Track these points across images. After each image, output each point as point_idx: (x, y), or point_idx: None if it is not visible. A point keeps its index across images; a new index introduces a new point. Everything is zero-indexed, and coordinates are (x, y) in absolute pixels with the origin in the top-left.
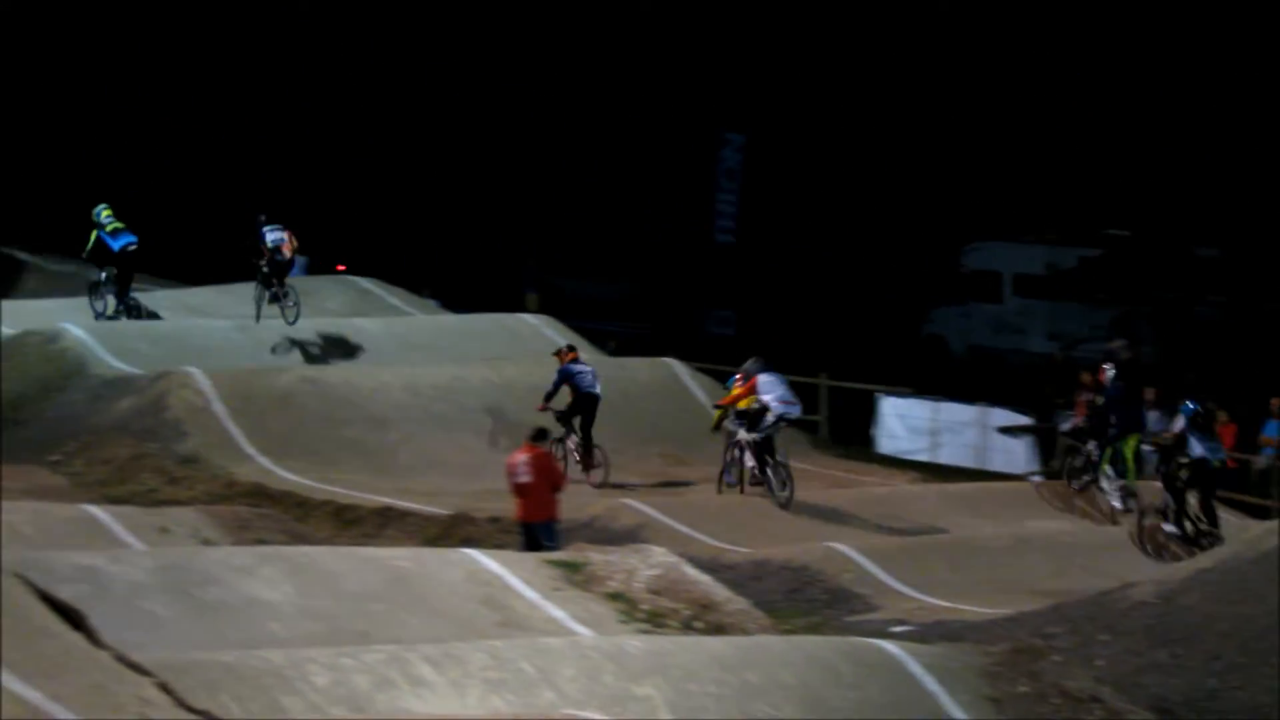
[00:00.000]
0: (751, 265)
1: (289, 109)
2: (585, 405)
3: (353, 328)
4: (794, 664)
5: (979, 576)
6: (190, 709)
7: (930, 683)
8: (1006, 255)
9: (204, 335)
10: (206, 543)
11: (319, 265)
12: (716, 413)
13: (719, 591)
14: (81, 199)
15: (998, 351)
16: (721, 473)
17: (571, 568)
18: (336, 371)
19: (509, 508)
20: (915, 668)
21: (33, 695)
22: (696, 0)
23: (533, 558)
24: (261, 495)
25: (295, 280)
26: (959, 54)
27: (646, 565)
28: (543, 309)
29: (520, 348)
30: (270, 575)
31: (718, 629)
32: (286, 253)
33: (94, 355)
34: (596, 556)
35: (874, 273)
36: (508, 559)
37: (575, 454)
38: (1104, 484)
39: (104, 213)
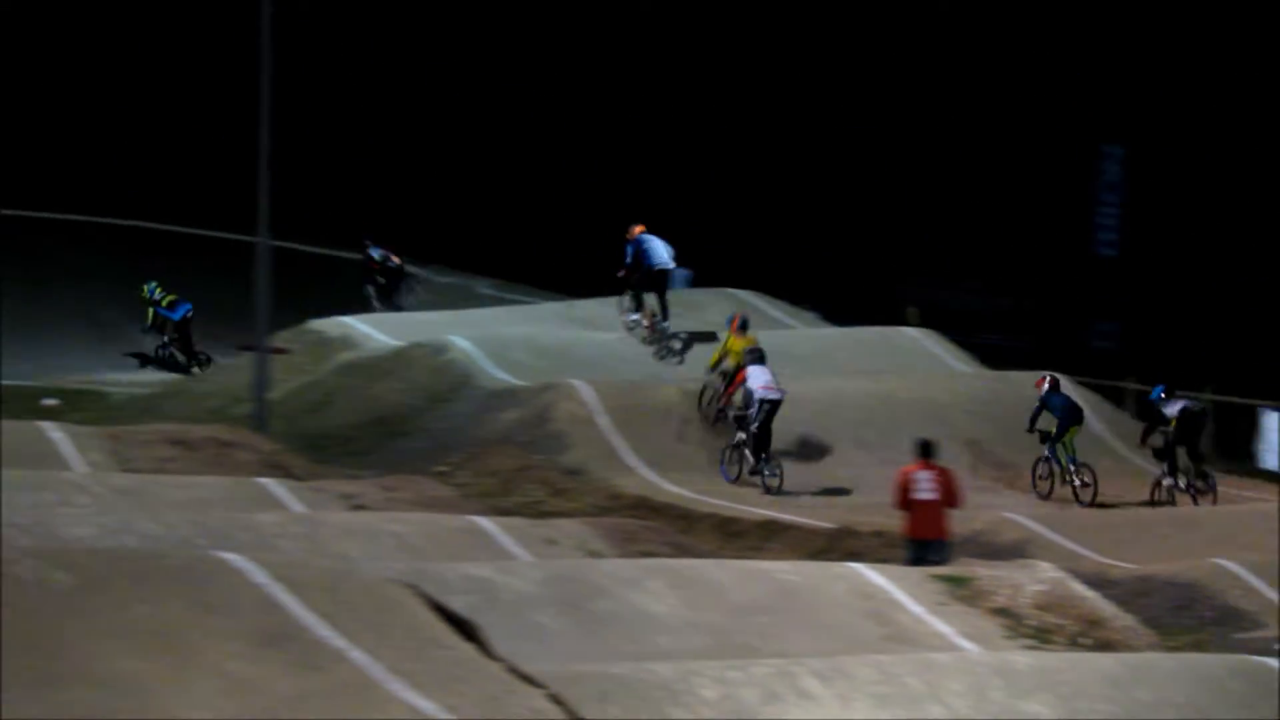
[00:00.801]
0: (1135, 278)
1: (672, 124)
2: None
3: None
4: (1183, 682)
5: None
6: None
7: None
8: None
9: (587, 347)
10: (593, 555)
11: (703, 278)
12: (714, 357)
13: (1105, 607)
14: (466, 214)
15: None
16: (720, 465)
17: (957, 582)
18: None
19: (893, 522)
20: None
21: (427, 706)
22: (1072, 14)
23: (918, 572)
24: (645, 507)
25: (678, 293)
26: None
27: (1033, 580)
28: (923, 322)
29: (901, 361)
30: (657, 588)
31: (1104, 645)
32: (395, 260)
33: (479, 367)
34: (982, 571)
35: (1260, 286)
36: (893, 573)
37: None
38: None
39: (156, 290)
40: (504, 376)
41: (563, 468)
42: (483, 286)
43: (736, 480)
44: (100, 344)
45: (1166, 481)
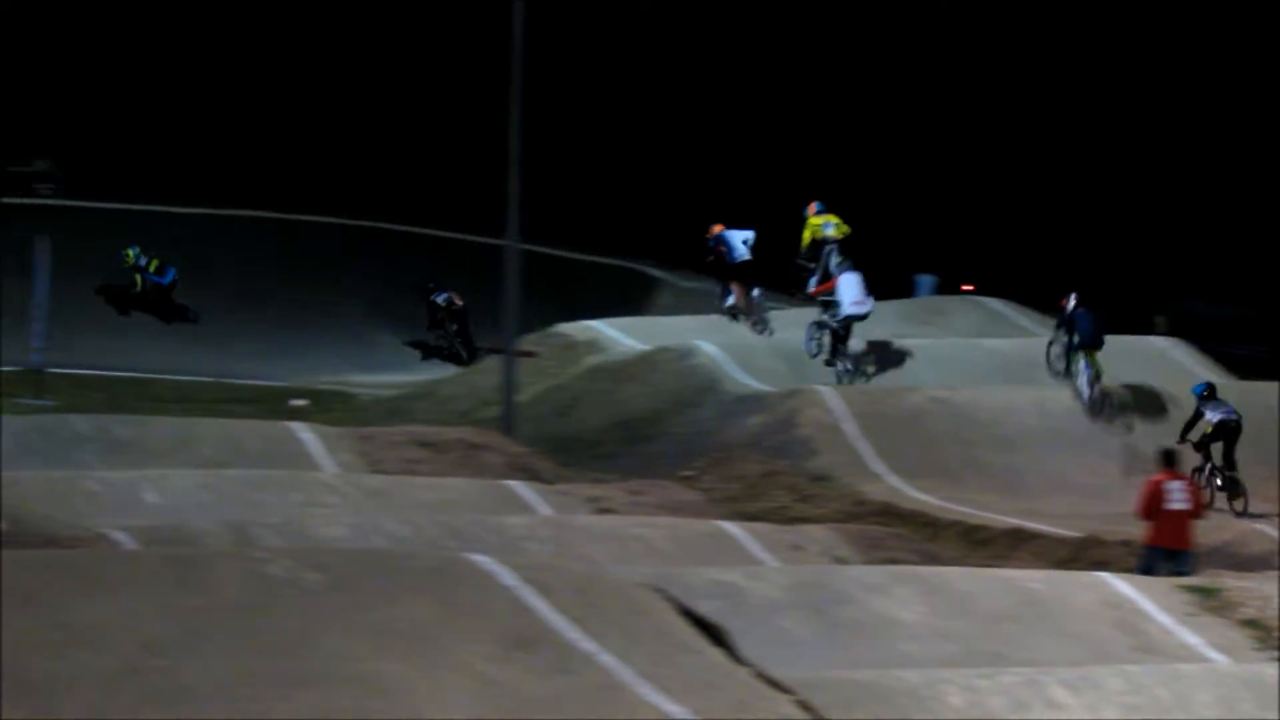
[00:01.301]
0: None
1: (932, 132)
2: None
3: (982, 349)
4: None
5: None
6: None
7: None
8: None
9: None
10: (839, 561)
11: (947, 285)
12: (806, 236)
13: None
14: (701, 214)
15: None
16: (805, 339)
17: (1206, 593)
18: (965, 392)
19: (1139, 531)
20: None
21: (677, 710)
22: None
23: (1166, 582)
24: (891, 514)
25: (923, 300)
26: None
27: None
28: (1171, 331)
29: (1149, 370)
30: (903, 595)
31: None
32: (459, 302)
33: (725, 372)
34: (1232, 582)
35: None
36: (1140, 583)
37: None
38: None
39: (140, 254)
40: (750, 382)
41: (808, 473)
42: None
43: (816, 356)
44: (347, 345)
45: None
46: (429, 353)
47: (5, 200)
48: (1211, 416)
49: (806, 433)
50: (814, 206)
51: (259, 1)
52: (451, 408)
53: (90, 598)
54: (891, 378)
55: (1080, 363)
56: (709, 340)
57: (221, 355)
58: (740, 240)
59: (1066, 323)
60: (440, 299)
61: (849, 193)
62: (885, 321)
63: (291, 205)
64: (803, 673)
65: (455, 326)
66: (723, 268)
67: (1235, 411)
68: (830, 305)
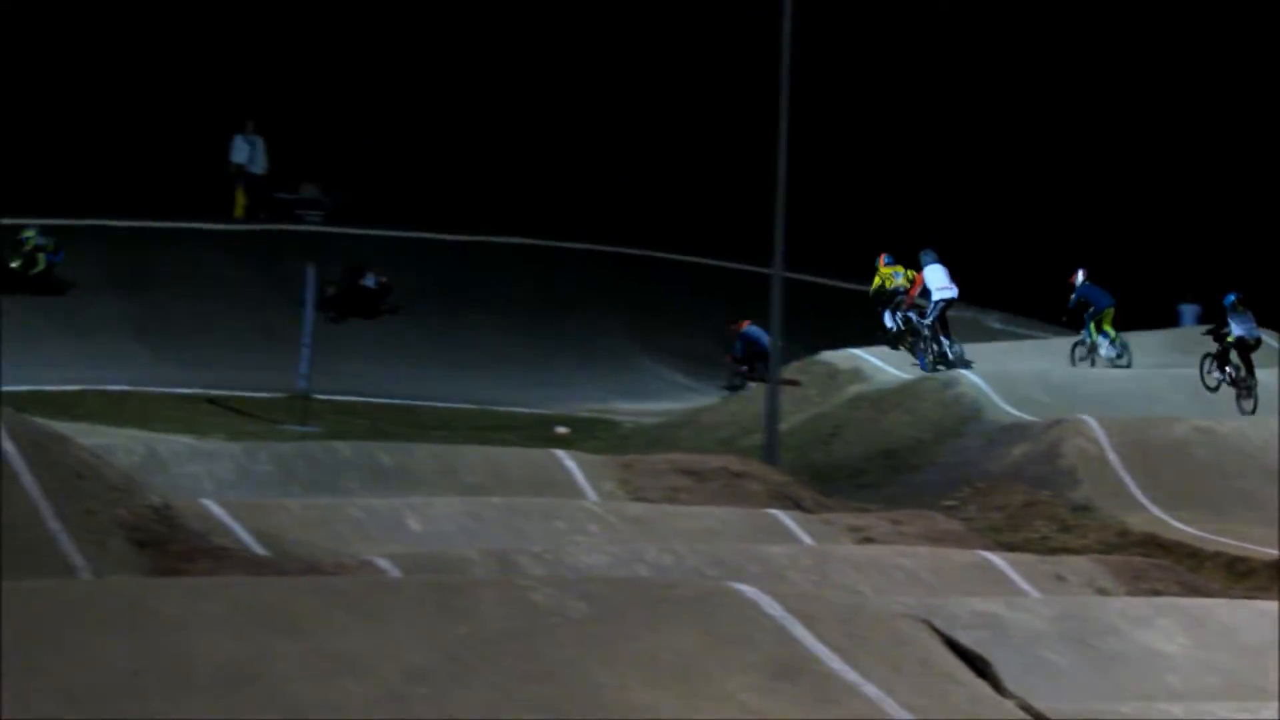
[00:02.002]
0: None
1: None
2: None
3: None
4: None
5: None
6: None
7: None
8: None
9: (1097, 383)
10: (1101, 592)
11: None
12: (875, 283)
13: None
14: (978, 247)
15: None
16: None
17: None
18: (1230, 423)
19: None
20: None
21: None
22: None
23: None
24: (1154, 545)
25: (1186, 330)
26: None
27: None
28: None
29: None
30: (1166, 626)
31: None
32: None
33: (989, 402)
34: None
35: None
36: None
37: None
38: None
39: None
40: (1013, 411)
41: (1071, 504)
42: (993, 320)
43: (928, 365)
44: (611, 373)
45: (1214, 373)
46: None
47: (273, 227)
48: (1235, 330)
49: (1070, 462)
50: (884, 258)
51: (524, 33)
52: (714, 436)
53: (355, 625)
54: (1155, 408)
55: (1099, 335)
56: (973, 370)
57: (484, 382)
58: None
59: (1078, 299)
60: (369, 281)
61: (1116, 219)
62: (1150, 351)
63: (555, 232)
64: (1066, 705)
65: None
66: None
67: (1256, 329)
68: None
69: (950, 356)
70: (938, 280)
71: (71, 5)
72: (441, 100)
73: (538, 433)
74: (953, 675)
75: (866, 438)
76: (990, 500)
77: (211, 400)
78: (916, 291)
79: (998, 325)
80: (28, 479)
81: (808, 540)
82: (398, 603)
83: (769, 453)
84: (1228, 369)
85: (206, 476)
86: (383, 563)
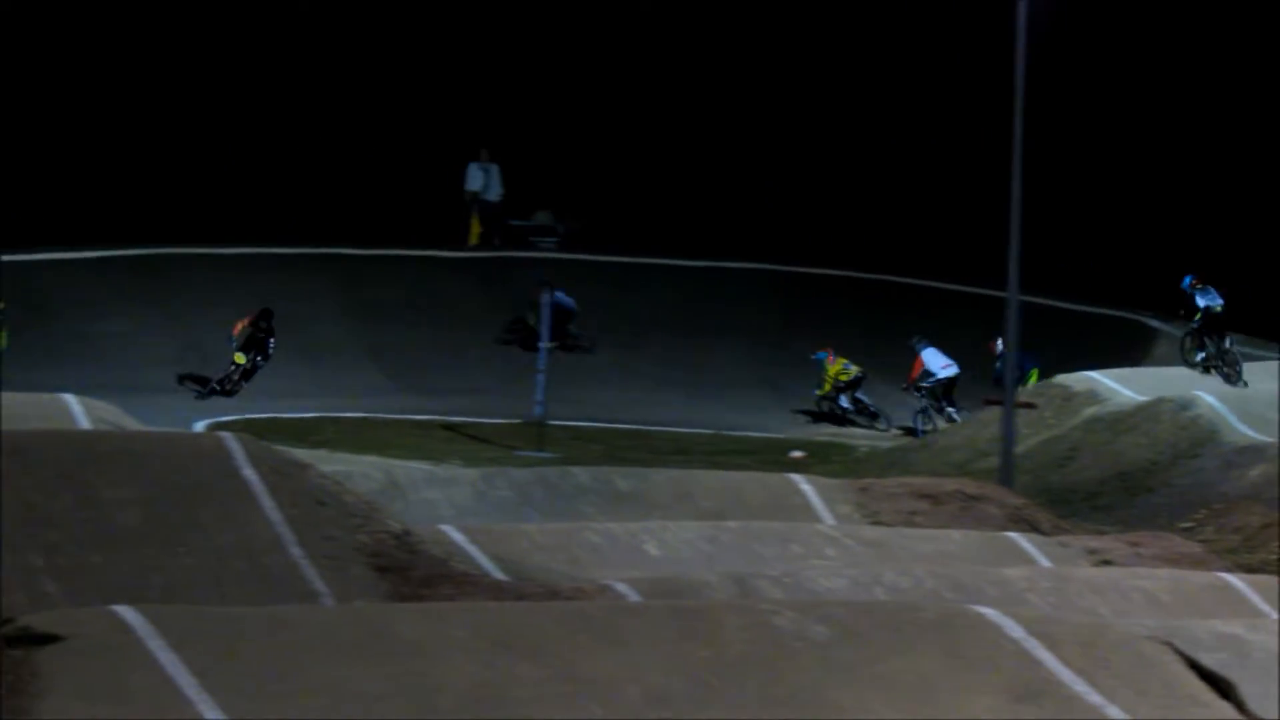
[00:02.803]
0: None
1: None
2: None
3: None
4: None
5: None
6: None
7: None
8: None
9: None
10: None
11: None
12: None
13: None
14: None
15: None
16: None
17: None
18: None
19: None
20: None
21: None
22: None
23: None
24: None
25: None
26: None
27: None
28: None
29: None
30: None
31: None
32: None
33: (1225, 423)
34: None
35: None
36: None
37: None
38: None
39: None
40: (1250, 433)
41: None
42: (1229, 343)
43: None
44: None
45: (1195, 352)
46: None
47: (507, 254)
48: (1200, 302)
49: None
50: (831, 355)
51: (763, 60)
52: (949, 459)
53: (597, 648)
54: None
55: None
56: (1208, 391)
57: (720, 407)
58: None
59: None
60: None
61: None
62: None
63: (791, 257)
64: None
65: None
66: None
67: (1221, 299)
68: (922, 379)
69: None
70: (938, 362)
71: (325, 34)
72: (678, 125)
73: (773, 457)
74: (1197, 698)
75: (1102, 460)
76: (1228, 522)
77: (448, 426)
78: (917, 374)
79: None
80: (269, 506)
81: (1045, 563)
82: (639, 626)
83: (1005, 475)
84: (1207, 344)
85: (445, 502)
86: (621, 587)
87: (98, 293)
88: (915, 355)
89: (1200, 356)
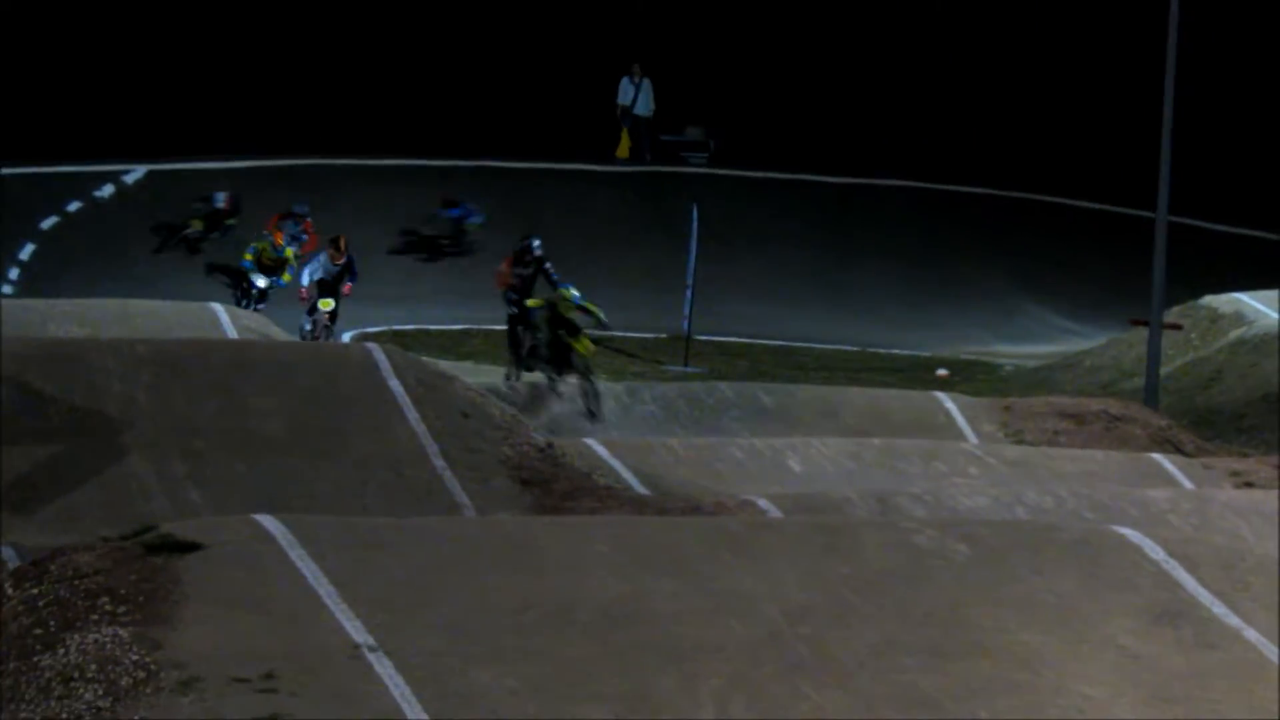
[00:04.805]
0: None
1: None
2: None
3: None
4: None
5: None
6: None
7: None
8: None
9: None
10: None
11: None
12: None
13: None
14: None
15: None
16: None
17: None
18: None
19: None
20: None
21: None
22: None
23: None
24: None
25: None
26: None
27: None
28: None
29: None
30: None
31: None
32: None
33: None
34: None
35: None
36: None
37: None
38: None
39: None
40: None
41: None
42: None
43: None
44: (993, 316)
45: None
46: None
47: (657, 169)
48: None
49: None
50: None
51: None
52: (1094, 379)
53: (738, 564)
54: None
55: None
56: None
57: (866, 325)
58: None
59: None
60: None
61: None
62: None
63: (939, 175)
64: None
65: None
66: None
67: None
68: None
69: None
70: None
71: None
72: (829, 40)
73: (918, 375)
74: None
75: (1247, 382)
76: None
77: (596, 341)
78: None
79: None
80: (414, 417)
81: (1188, 485)
82: (780, 542)
83: (1150, 396)
84: None
85: (590, 416)
86: (763, 503)
87: (248, 202)
88: None
89: None
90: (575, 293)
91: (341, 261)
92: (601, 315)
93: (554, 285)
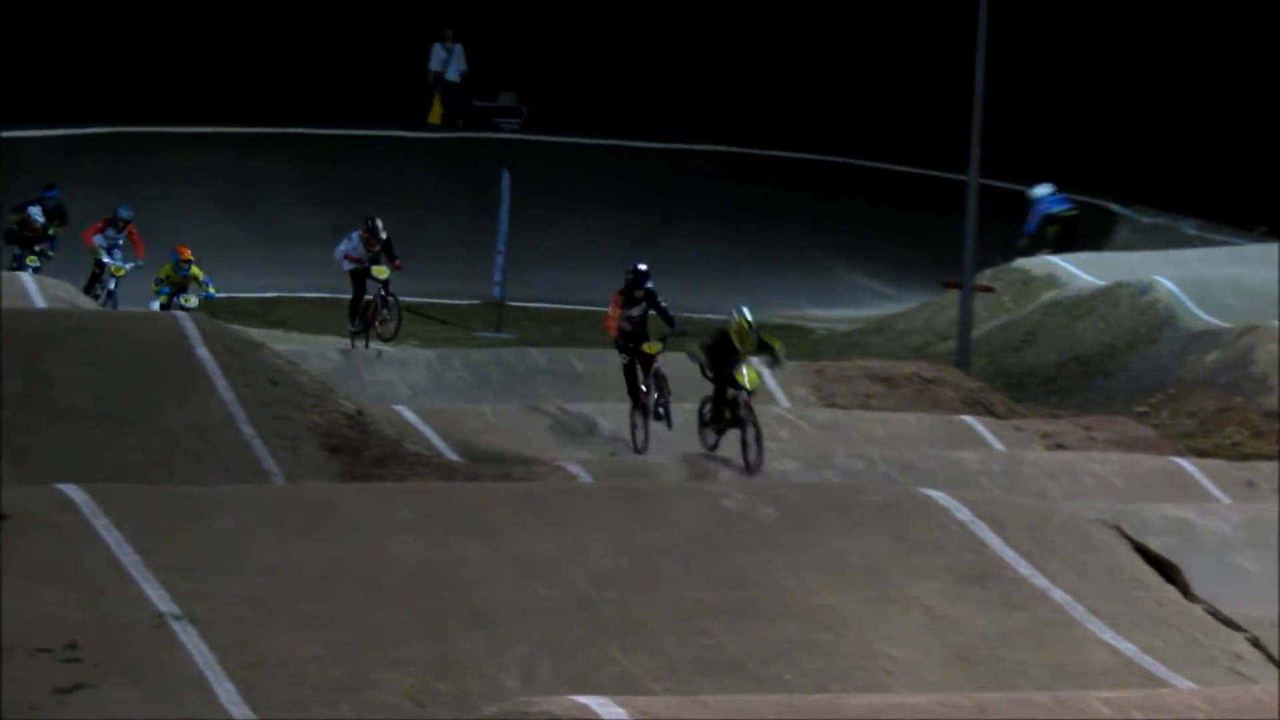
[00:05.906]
0: None
1: None
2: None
3: None
4: None
5: None
6: None
7: None
8: None
9: None
10: None
11: None
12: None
13: None
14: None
15: None
16: None
17: None
18: None
19: None
20: None
21: (1128, 647)
22: None
23: None
24: None
25: None
26: None
27: None
28: None
29: None
30: None
31: None
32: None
33: (1184, 308)
34: None
35: None
36: None
37: None
38: None
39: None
40: (1207, 317)
41: (1264, 410)
42: (1187, 227)
43: None
44: (804, 279)
45: None
46: None
47: (470, 134)
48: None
49: (1262, 369)
50: None
51: None
52: (906, 342)
53: (545, 529)
54: None
55: None
56: (1167, 276)
57: (681, 290)
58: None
59: None
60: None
61: None
62: None
63: (751, 140)
64: (1255, 611)
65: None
66: None
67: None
68: None
69: None
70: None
71: None
72: (640, 5)
73: None
74: (1141, 580)
75: (1059, 344)
76: (1182, 406)
77: (407, 308)
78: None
79: (1192, 231)
80: (223, 385)
81: (999, 446)
82: (588, 507)
83: (961, 359)
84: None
85: (400, 383)
86: (574, 468)
87: (57, 172)
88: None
89: None
90: (750, 317)
91: (377, 248)
92: (781, 353)
93: (669, 322)
